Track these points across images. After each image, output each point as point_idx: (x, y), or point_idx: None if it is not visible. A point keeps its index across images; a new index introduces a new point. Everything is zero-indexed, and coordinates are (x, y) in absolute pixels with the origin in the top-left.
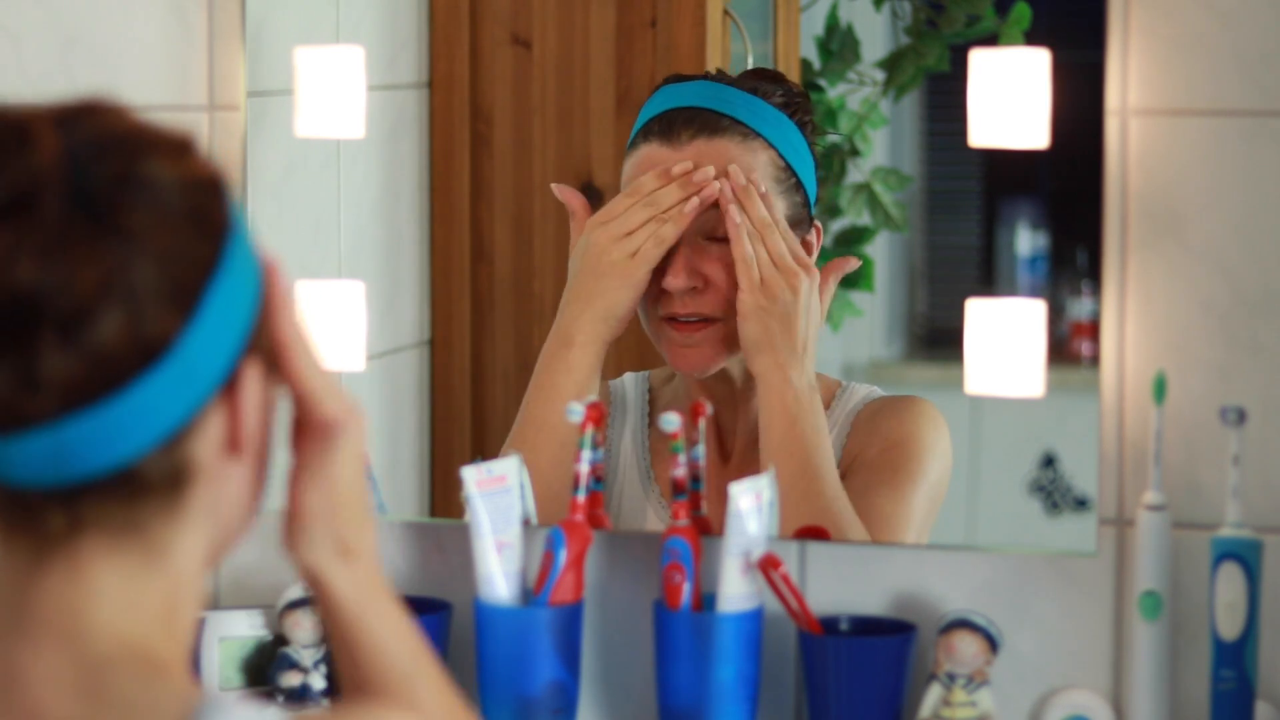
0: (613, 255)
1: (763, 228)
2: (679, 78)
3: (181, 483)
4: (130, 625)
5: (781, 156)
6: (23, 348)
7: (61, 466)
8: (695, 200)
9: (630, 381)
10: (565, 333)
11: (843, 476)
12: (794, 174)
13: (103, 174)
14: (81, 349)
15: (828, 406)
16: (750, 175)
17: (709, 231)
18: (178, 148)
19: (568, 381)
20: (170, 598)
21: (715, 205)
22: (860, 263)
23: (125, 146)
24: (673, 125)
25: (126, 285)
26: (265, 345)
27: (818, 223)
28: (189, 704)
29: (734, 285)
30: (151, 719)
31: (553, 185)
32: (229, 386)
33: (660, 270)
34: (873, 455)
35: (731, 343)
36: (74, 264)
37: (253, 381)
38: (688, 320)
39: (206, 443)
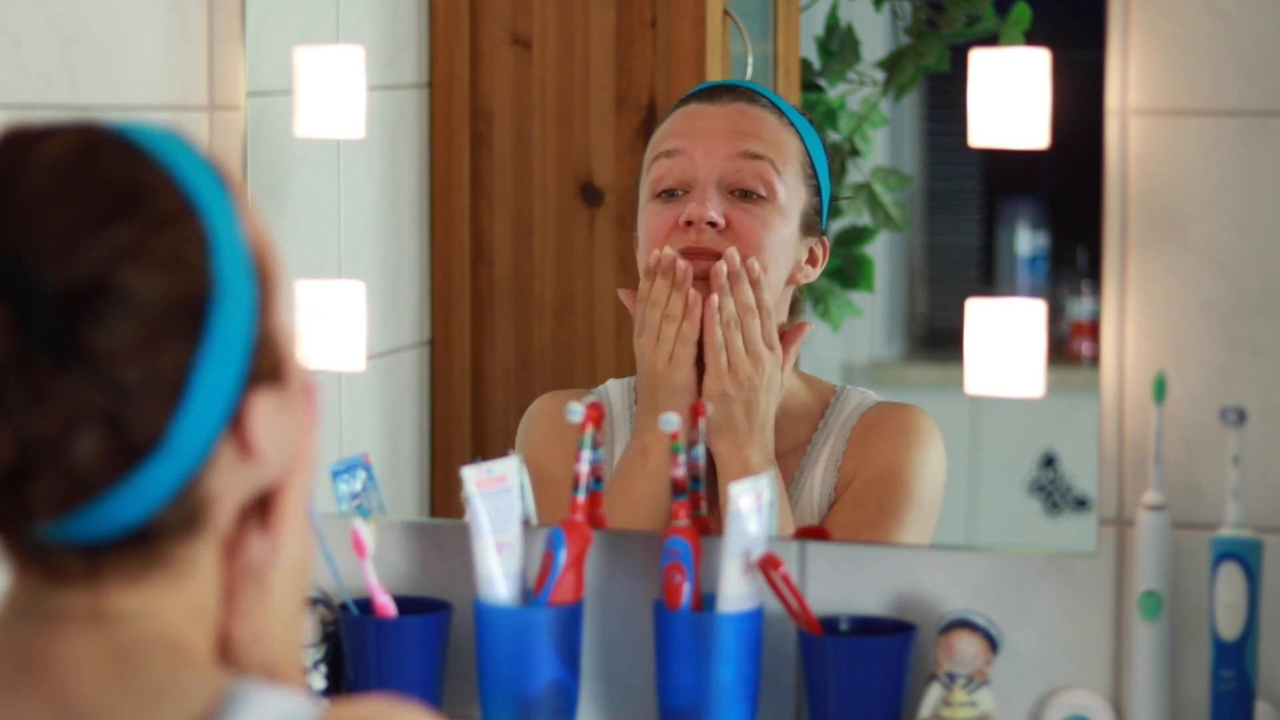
0: (656, 367)
1: (744, 312)
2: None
3: (200, 516)
4: (157, 620)
5: (807, 152)
6: (10, 488)
7: (72, 536)
8: (695, 294)
9: (615, 389)
10: (641, 442)
11: (835, 502)
12: (815, 174)
13: (63, 297)
14: (65, 473)
15: (821, 414)
16: (773, 166)
17: (734, 185)
18: (151, 220)
19: (649, 488)
20: (196, 598)
21: (746, 155)
22: (811, 328)
23: (90, 245)
24: (714, 91)
25: (98, 408)
26: (266, 361)
27: (825, 237)
28: (220, 690)
29: (755, 232)
30: (180, 703)
31: (619, 291)
32: (235, 420)
33: (676, 213)
34: (861, 485)
35: None
36: (41, 413)
37: (256, 405)
38: (701, 252)
39: (220, 473)
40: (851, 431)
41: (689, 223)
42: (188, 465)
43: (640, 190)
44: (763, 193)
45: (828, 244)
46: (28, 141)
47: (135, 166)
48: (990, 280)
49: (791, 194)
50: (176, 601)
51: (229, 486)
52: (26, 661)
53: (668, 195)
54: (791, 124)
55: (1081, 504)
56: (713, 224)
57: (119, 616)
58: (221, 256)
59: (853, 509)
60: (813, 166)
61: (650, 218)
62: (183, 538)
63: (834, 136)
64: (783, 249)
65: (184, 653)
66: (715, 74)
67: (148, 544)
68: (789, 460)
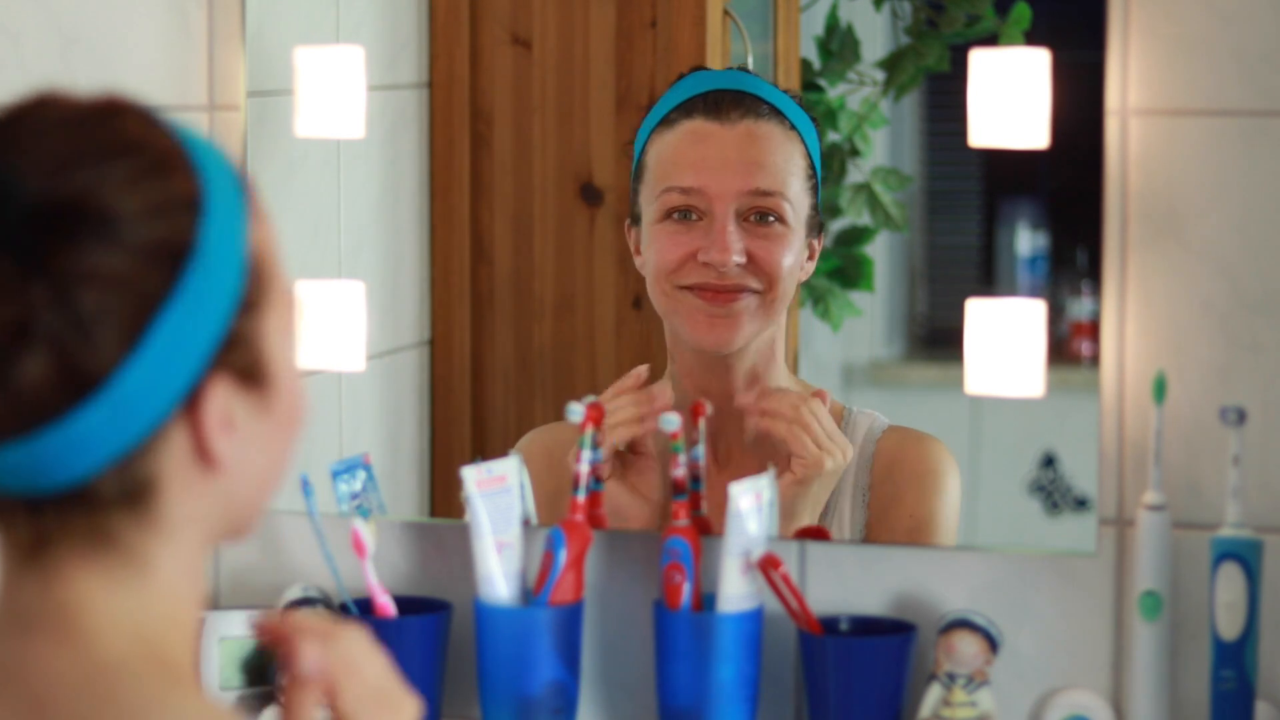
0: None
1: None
2: (703, 69)
3: (144, 497)
4: (133, 629)
5: (809, 154)
6: None
7: (11, 483)
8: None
9: None
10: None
11: (866, 541)
12: (815, 175)
13: (42, 206)
14: (5, 390)
15: None
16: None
17: (745, 214)
18: (150, 166)
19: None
20: (170, 606)
21: (758, 192)
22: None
23: (81, 171)
24: (720, 103)
25: (52, 326)
26: (243, 359)
27: (822, 231)
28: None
29: (775, 261)
30: None
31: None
32: (190, 404)
33: (691, 244)
34: (896, 534)
35: (766, 315)
36: None
37: (219, 398)
38: (723, 289)
39: (169, 458)
40: (873, 460)
41: (707, 263)
42: (133, 426)
43: (640, 200)
44: (773, 221)
45: (823, 235)
46: (56, 96)
47: (151, 130)
48: (990, 280)
49: (798, 212)
50: (148, 605)
51: (181, 482)
52: (2, 671)
53: (681, 216)
54: (794, 127)
55: (1081, 504)
56: (737, 264)
57: (91, 629)
58: (211, 227)
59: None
60: (813, 167)
61: (664, 239)
62: (128, 518)
63: (834, 136)
64: (795, 263)
65: (170, 671)
66: None
67: (90, 514)
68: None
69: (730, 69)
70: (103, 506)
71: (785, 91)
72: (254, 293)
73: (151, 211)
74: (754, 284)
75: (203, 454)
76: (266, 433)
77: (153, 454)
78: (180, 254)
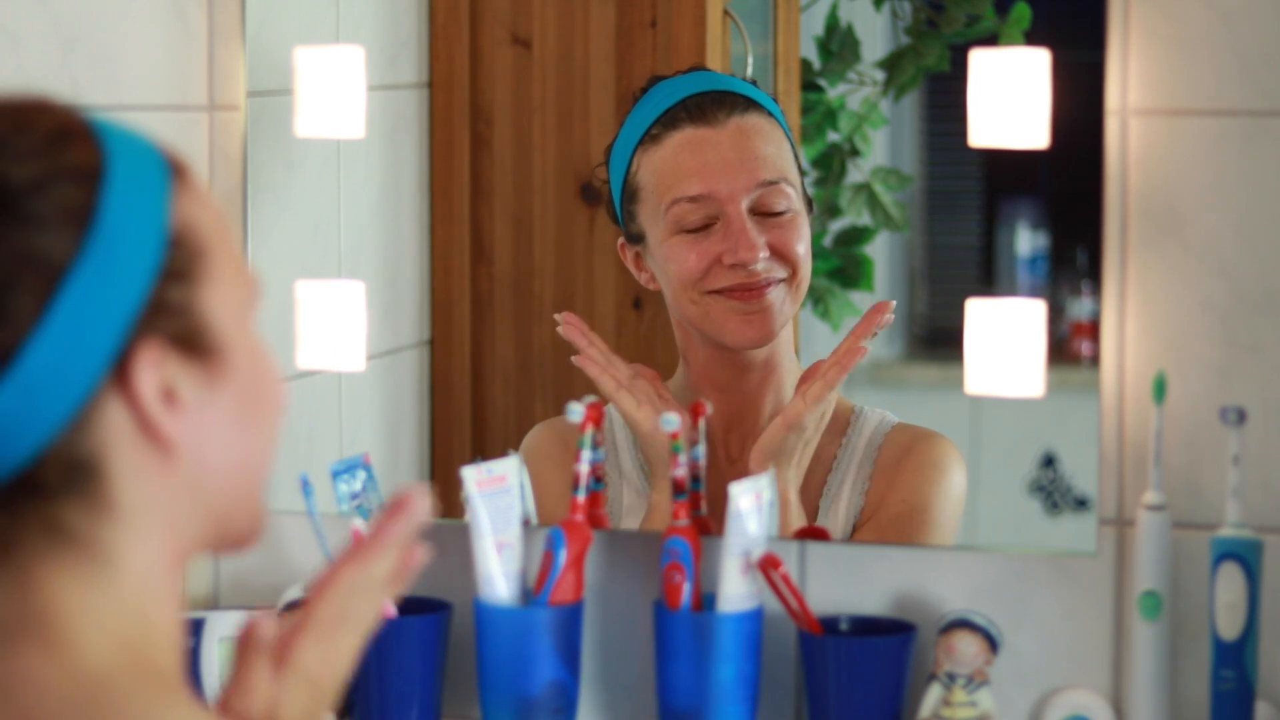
0: (644, 427)
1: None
2: (661, 77)
3: (90, 481)
4: (114, 635)
5: (785, 132)
6: None
7: None
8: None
9: (618, 418)
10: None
11: (858, 527)
12: (796, 152)
13: None
14: None
15: (843, 432)
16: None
17: (756, 208)
18: (48, 138)
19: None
20: (141, 604)
21: (765, 183)
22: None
23: None
24: (703, 107)
25: None
26: (175, 328)
27: (809, 197)
28: None
29: (794, 246)
30: None
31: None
32: (119, 375)
33: (712, 249)
34: (886, 519)
35: (795, 300)
36: None
37: (151, 367)
38: (754, 286)
39: (111, 437)
40: (878, 452)
41: (735, 264)
42: (58, 400)
43: (641, 219)
44: (783, 208)
45: (812, 209)
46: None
47: (56, 110)
48: (990, 280)
49: (797, 190)
50: (123, 606)
51: (131, 465)
52: None
53: (693, 227)
54: (770, 112)
55: (1081, 504)
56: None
57: (70, 629)
58: (114, 194)
59: (875, 537)
60: (791, 142)
61: (683, 250)
62: (79, 506)
63: (834, 137)
64: (809, 242)
65: (157, 679)
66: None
67: (40, 504)
68: (816, 474)
69: (692, 71)
70: (50, 495)
71: (743, 79)
72: (184, 263)
73: (49, 180)
74: (780, 273)
75: (149, 432)
76: (228, 415)
77: (90, 432)
78: (83, 221)
